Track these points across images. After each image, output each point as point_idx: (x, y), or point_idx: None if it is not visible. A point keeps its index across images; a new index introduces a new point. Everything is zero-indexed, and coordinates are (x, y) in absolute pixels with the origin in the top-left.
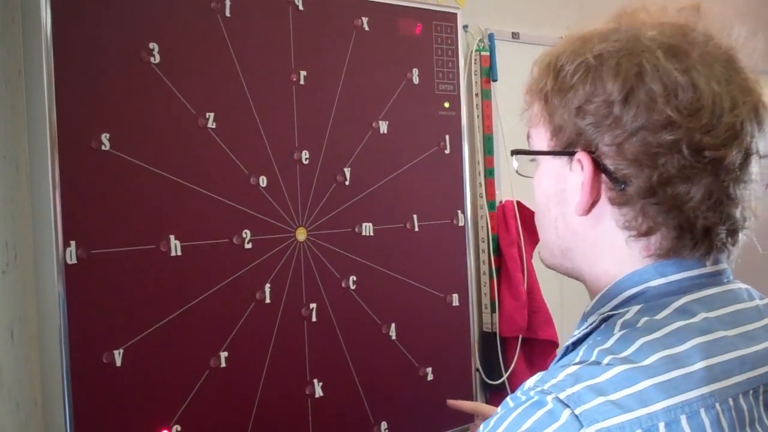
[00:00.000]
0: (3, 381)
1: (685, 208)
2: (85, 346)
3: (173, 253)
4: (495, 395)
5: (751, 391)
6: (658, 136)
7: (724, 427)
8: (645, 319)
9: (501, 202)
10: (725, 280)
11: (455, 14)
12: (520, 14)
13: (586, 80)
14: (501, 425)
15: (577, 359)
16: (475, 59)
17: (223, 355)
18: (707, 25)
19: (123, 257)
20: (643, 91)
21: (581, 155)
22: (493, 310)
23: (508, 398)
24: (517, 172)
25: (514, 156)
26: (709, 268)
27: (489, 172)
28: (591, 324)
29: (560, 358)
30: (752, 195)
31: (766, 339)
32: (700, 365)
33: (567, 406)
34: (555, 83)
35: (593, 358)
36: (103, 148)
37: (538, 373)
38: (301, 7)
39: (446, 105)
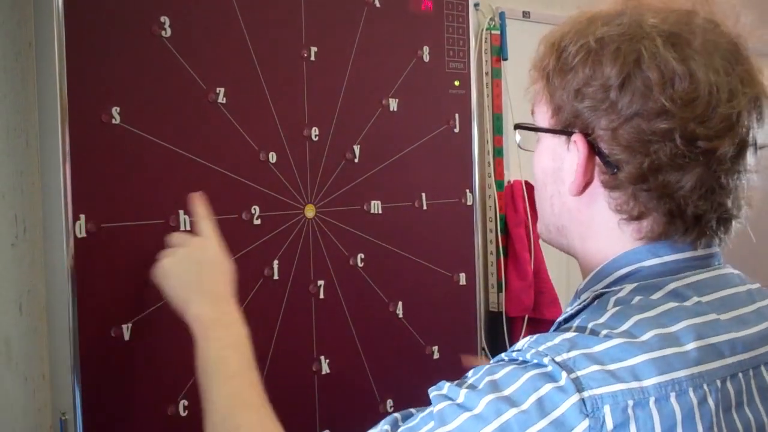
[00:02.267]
0: (11, 354)
1: (675, 196)
2: (93, 319)
3: (182, 228)
4: None
5: (740, 374)
6: (651, 123)
7: (710, 408)
8: (639, 297)
9: (509, 181)
10: (716, 264)
11: None
12: None
13: (586, 63)
14: (496, 373)
15: (571, 330)
16: (486, 38)
17: None
18: (714, 11)
19: (132, 231)
20: (640, 78)
21: (577, 137)
22: (499, 290)
23: (502, 355)
24: (518, 145)
25: (517, 130)
26: (700, 252)
27: (498, 152)
28: (584, 301)
29: None
30: (746, 185)
31: (756, 323)
32: (692, 345)
33: (564, 369)
34: (557, 63)
35: (588, 329)
36: (113, 121)
37: (530, 336)
38: None
39: (456, 83)
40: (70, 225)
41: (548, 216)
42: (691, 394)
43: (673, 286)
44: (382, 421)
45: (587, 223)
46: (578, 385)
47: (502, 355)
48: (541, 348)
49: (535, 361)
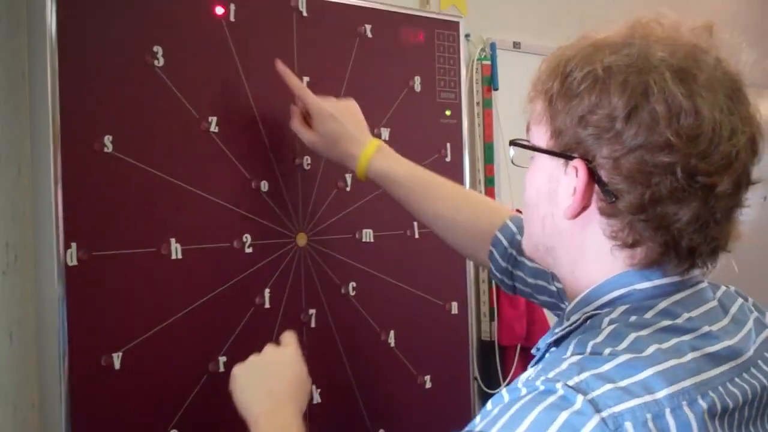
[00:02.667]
0: (1, 382)
1: (671, 228)
2: (83, 348)
3: (174, 257)
4: None
5: (737, 378)
6: (655, 156)
7: (718, 412)
8: (633, 317)
9: None
10: (695, 282)
11: (457, 23)
12: (522, 24)
13: (592, 91)
14: (505, 413)
15: (569, 353)
16: (477, 68)
17: (222, 359)
18: (718, 47)
19: (124, 260)
20: (647, 110)
21: (578, 162)
22: (492, 319)
23: (503, 392)
24: (512, 161)
25: (511, 146)
26: (686, 277)
27: (489, 181)
28: (574, 322)
29: (542, 357)
30: (738, 219)
31: (737, 331)
32: (689, 356)
33: (578, 392)
34: (561, 87)
35: (589, 350)
36: (105, 150)
37: (532, 369)
38: (305, 14)
39: (447, 113)
40: (62, 253)
41: (538, 236)
42: (700, 401)
43: (663, 305)
44: None
45: (578, 246)
46: (595, 406)
47: (503, 392)
48: (550, 375)
49: (543, 387)
